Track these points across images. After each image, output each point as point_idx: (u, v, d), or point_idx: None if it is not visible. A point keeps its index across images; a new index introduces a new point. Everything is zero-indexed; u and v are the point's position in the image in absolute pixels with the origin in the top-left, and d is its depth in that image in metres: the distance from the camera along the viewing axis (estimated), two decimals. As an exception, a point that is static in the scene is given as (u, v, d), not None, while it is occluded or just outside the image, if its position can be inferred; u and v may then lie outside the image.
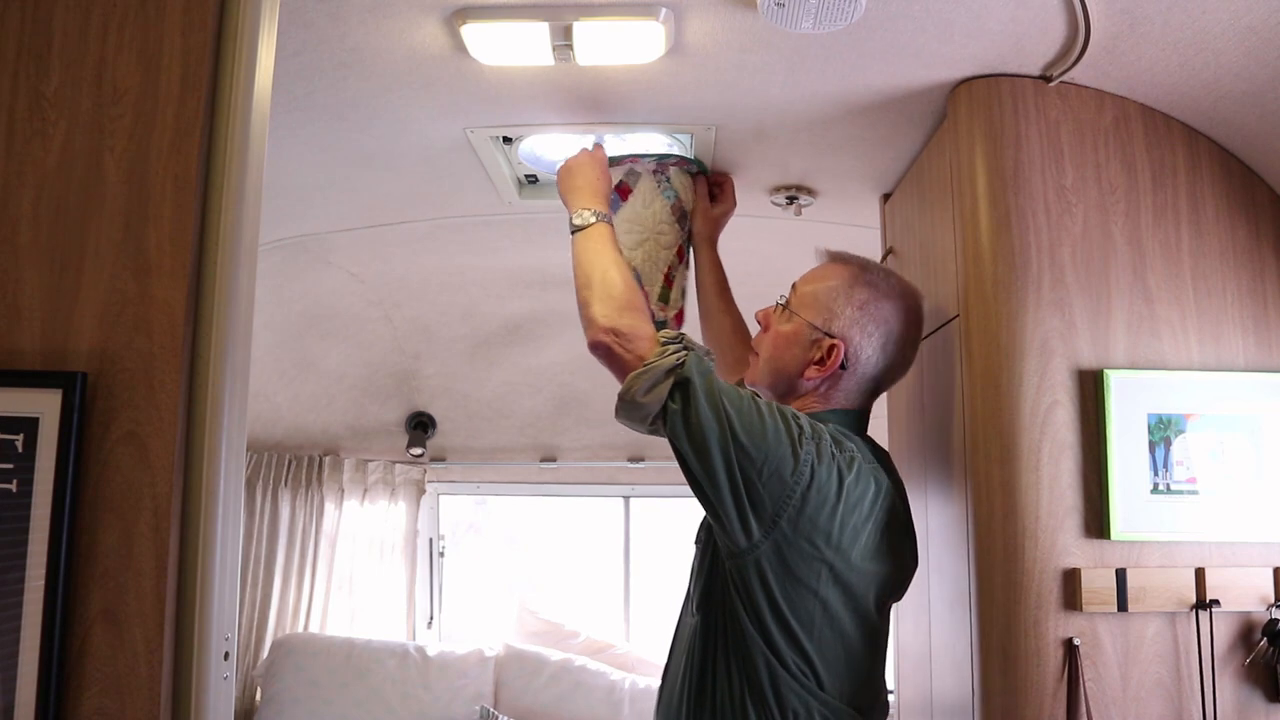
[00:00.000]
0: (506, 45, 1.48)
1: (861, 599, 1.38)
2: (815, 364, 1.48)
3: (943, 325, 1.67)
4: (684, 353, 1.40)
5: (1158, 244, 1.52)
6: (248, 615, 3.47)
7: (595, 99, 1.72)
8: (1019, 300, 1.49)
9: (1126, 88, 1.53)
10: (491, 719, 3.28)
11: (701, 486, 1.35)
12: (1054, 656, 1.41)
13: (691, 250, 1.91)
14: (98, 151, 1.13)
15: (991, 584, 1.44)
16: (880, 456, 1.48)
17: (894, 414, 2.03)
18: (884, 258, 2.08)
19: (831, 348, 1.47)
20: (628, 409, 1.41)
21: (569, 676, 3.44)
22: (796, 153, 1.96)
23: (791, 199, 2.17)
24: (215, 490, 1.09)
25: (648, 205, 1.83)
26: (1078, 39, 1.43)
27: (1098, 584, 1.41)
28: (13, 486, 1.05)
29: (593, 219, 1.59)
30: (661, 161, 1.86)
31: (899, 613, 1.86)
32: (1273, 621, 1.42)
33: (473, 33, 1.44)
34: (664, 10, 1.40)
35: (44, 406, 1.06)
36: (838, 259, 1.57)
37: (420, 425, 3.71)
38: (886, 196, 2.15)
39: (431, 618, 3.85)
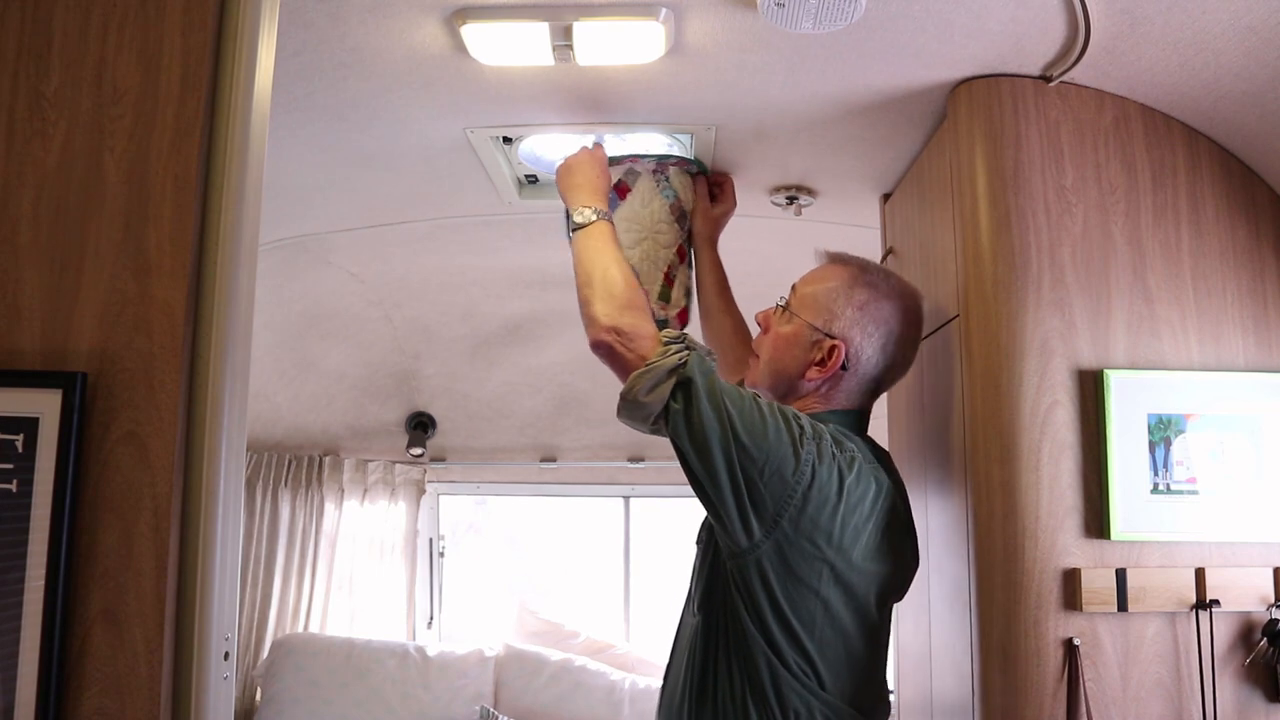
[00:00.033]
0: (506, 45, 1.48)
1: (862, 599, 1.38)
2: (816, 365, 1.48)
3: (943, 325, 1.67)
4: (686, 352, 1.39)
5: (1158, 244, 1.52)
6: (248, 615, 3.47)
7: (595, 99, 1.72)
8: (1019, 300, 1.49)
9: (1126, 88, 1.53)
10: (491, 719, 3.28)
11: (703, 486, 1.35)
12: (1054, 656, 1.41)
13: (692, 250, 1.91)
14: (98, 151, 1.13)
15: (991, 584, 1.44)
16: (880, 456, 1.48)
17: (894, 414, 2.03)
18: (884, 258, 2.08)
19: (832, 349, 1.47)
20: (630, 408, 1.41)
21: (569, 677, 3.44)
22: (796, 153, 1.96)
23: (791, 199, 2.17)
24: (215, 490, 1.09)
25: (646, 205, 1.83)
26: (1078, 39, 1.43)
27: (1098, 584, 1.41)
28: (13, 486, 1.04)
29: (593, 216, 1.59)
30: (661, 161, 1.86)
31: (899, 613, 1.86)
32: (1273, 621, 1.42)
33: (473, 33, 1.44)
34: (664, 10, 1.40)
35: (44, 406, 1.06)
36: (837, 260, 1.57)
37: (420, 425, 3.71)
38: (886, 196, 2.15)
39: (431, 618, 3.84)
